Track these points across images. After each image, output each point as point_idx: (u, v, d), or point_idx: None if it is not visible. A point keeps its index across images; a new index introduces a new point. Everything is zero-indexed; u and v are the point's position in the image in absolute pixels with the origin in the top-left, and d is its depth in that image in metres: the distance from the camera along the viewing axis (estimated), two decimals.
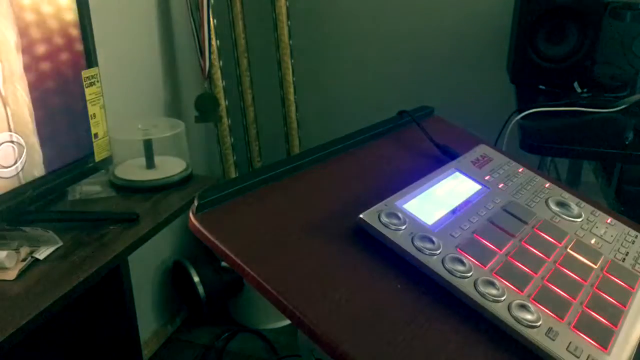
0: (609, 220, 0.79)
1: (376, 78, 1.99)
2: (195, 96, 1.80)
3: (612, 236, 0.75)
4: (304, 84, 2.03)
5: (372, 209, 0.65)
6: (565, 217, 0.77)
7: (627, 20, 1.54)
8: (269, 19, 1.85)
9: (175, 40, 1.83)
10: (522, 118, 1.32)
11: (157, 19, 1.72)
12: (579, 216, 0.78)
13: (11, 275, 0.90)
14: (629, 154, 1.17)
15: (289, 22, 1.83)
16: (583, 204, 0.81)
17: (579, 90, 1.50)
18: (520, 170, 0.85)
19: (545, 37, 1.52)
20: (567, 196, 0.82)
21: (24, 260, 0.93)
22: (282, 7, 1.79)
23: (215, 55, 1.75)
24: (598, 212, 0.80)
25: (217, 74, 1.78)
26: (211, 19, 1.70)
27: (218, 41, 1.76)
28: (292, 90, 1.90)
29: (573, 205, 0.79)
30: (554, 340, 0.55)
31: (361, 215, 0.64)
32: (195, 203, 0.61)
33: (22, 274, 0.91)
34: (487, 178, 0.80)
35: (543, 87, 1.54)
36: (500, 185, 0.79)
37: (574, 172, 1.70)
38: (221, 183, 0.66)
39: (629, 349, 0.57)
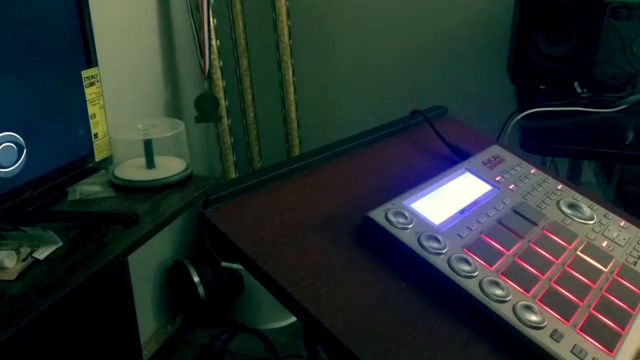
0: (622, 224, 0.78)
1: (376, 78, 1.99)
2: (195, 96, 1.80)
3: (624, 239, 0.75)
4: (304, 84, 2.03)
5: (379, 207, 0.65)
6: (577, 219, 0.76)
7: (627, 20, 1.54)
8: (269, 19, 1.85)
9: (176, 40, 1.82)
10: (522, 118, 1.32)
11: (157, 19, 1.72)
12: (591, 218, 0.77)
13: (11, 275, 0.89)
14: (629, 154, 1.17)
15: (289, 22, 1.82)
16: (596, 206, 0.80)
17: (579, 90, 1.50)
18: (532, 171, 0.85)
19: (545, 37, 1.51)
20: (579, 198, 0.81)
21: (24, 260, 0.93)
22: (282, 7, 1.79)
23: (215, 55, 1.75)
24: (611, 215, 0.79)
25: (217, 74, 1.78)
26: (211, 19, 1.70)
27: (218, 41, 1.76)
28: (292, 90, 1.90)
29: (585, 208, 0.78)
30: (558, 342, 0.55)
31: (368, 214, 0.64)
32: (206, 198, 0.62)
33: (22, 274, 0.90)
34: (497, 179, 0.80)
35: (543, 87, 1.54)
36: (511, 187, 0.79)
37: (574, 172, 1.70)
38: (231, 180, 0.66)
39: (635, 353, 0.57)
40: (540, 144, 1.20)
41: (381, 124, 0.91)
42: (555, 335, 0.55)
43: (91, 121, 1.15)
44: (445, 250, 0.62)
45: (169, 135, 1.31)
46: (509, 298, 0.58)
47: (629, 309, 0.62)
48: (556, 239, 0.70)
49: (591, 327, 0.57)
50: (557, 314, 0.58)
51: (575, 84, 1.51)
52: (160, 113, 1.79)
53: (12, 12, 0.95)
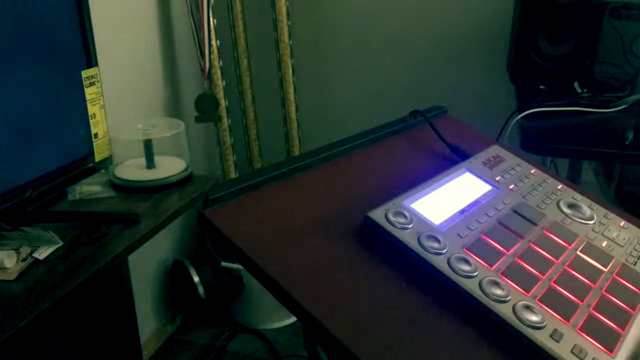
0: (622, 224, 0.78)
1: (376, 78, 1.99)
2: (195, 96, 1.80)
3: (624, 239, 0.74)
4: (304, 84, 2.03)
5: (379, 207, 0.65)
6: (577, 219, 0.76)
7: (627, 20, 1.54)
8: (269, 19, 1.85)
9: (176, 40, 1.82)
10: (522, 118, 1.32)
11: (157, 19, 1.72)
12: (591, 218, 0.77)
13: (11, 275, 0.89)
14: (629, 154, 1.17)
15: (289, 22, 1.82)
16: (596, 206, 0.80)
17: (579, 90, 1.50)
18: (532, 171, 0.85)
19: (545, 37, 1.51)
20: (579, 198, 0.81)
21: (24, 260, 0.93)
22: (282, 7, 1.79)
23: (215, 55, 1.75)
24: (611, 215, 0.79)
25: (217, 74, 1.78)
26: (211, 19, 1.70)
27: (218, 41, 1.76)
28: (292, 90, 1.90)
29: (585, 208, 0.78)
30: (558, 342, 0.55)
31: (368, 214, 0.64)
32: (206, 198, 0.62)
33: (22, 274, 0.90)
34: (497, 179, 0.80)
35: (543, 87, 1.54)
36: (511, 187, 0.79)
37: (574, 172, 1.70)
38: (231, 179, 0.66)
39: (635, 353, 0.57)
40: (540, 144, 1.20)
41: (381, 124, 0.91)
42: (555, 335, 0.55)
43: (91, 121, 1.15)
44: (445, 250, 0.62)
45: (169, 135, 1.31)
46: (509, 298, 0.58)
47: (629, 309, 0.62)
48: (556, 239, 0.70)
49: (591, 327, 0.57)
50: (557, 314, 0.58)
51: (575, 84, 1.51)
52: (160, 113, 1.79)
53: (12, 12, 0.95)
